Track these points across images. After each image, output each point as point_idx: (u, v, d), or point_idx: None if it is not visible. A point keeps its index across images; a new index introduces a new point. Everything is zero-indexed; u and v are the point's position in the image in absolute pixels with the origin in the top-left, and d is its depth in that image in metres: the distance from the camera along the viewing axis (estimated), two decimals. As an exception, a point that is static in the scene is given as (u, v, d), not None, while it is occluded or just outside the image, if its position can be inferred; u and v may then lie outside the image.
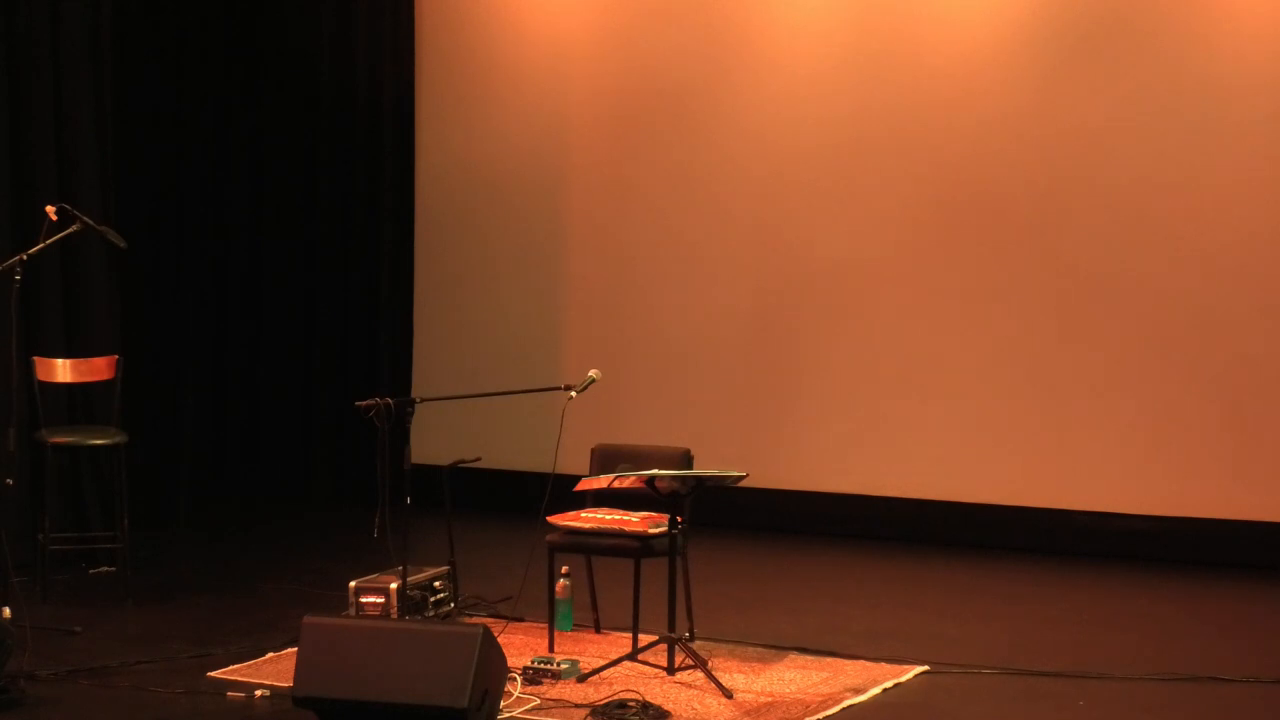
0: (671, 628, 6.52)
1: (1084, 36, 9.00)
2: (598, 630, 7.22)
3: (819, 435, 9.58)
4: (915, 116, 9.32)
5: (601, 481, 6.83)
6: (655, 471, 6.53)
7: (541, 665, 6.43)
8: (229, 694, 6.26)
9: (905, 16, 9.37)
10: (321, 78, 10.66)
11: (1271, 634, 7.53)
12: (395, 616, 6.95)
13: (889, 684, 6.46)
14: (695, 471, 6.78)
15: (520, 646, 6.86)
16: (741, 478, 6.53)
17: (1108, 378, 8.98)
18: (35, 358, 8.29)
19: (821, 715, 6.06)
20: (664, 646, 6.52)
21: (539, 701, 6.16)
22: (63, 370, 8.33)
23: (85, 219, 7.41)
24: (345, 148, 10.65)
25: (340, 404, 9.82)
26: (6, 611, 7.09)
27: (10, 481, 6.95)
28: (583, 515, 6.98)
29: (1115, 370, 8.97)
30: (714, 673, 6.38)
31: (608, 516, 6.90)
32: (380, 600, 7.03)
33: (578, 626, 7.21)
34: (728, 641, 7.01)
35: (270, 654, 6.80)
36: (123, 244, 7.64)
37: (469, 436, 9.61)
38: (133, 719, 6.06)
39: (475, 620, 7.16)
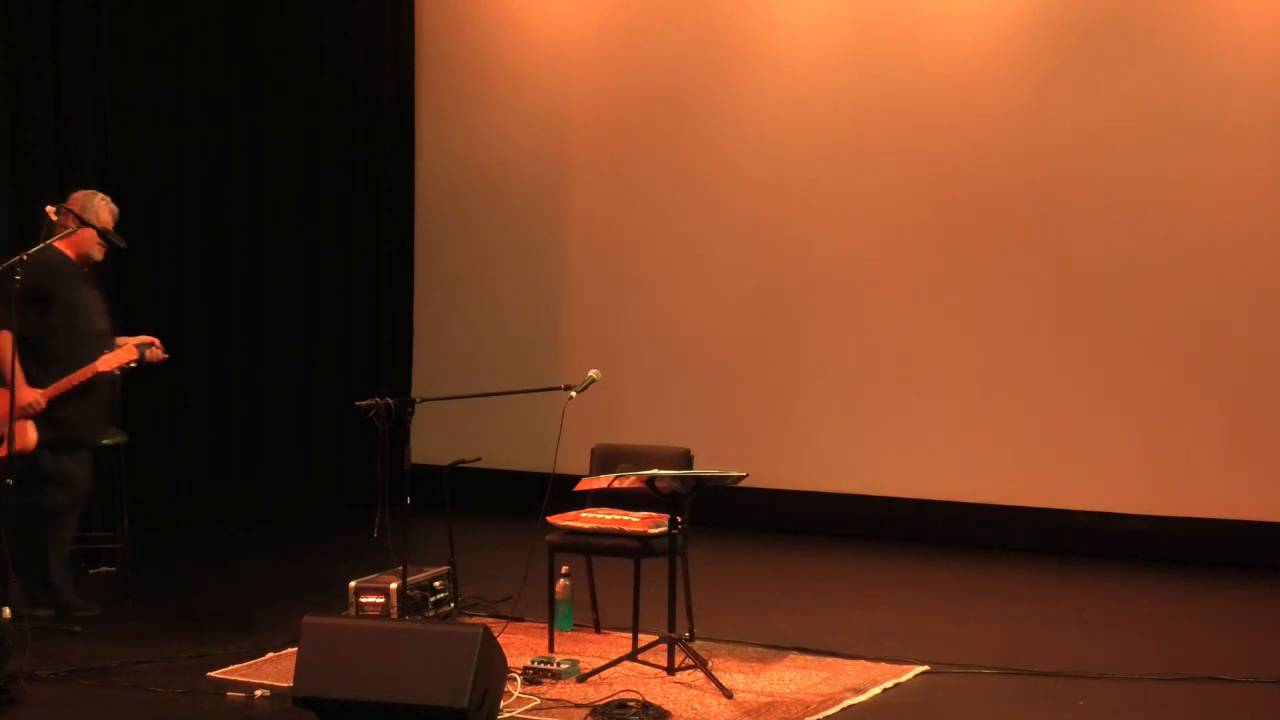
0: (671, 628, 6.51)
1: (1084, 36, 9.00)
2: (598, 630, 7.21)
3: (819, 435, 9.58)
4: (915, 116, 9.32)
5: (601, 481, 6.83)
6: (655, 471, 6.53)
7: (541, 665, 6.42)
8: (229, 694, 6.26)
9: (905, 16, 9.37)
10: (321, 78, 10.67)
11: (1271, 634, 7.53)
12: (395, 616, 6.94)
13: (889, 684, 6.46)
14: (695, 471, 6.77)
15: (520, 646, 6.85)
16: (741, 478, 6.53)
17: (1108, 377, 8.98)
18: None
19: (821, 715, 6.06)
20: (664, 646, 6.51)
21: (539, 701, 6.15)
22: (63, 370, 8.30)
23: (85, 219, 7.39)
24: (345, 148, 10.65)
25: (340, 404, 9.82)
26: (6, 611, 7.08)
27: (10, 482, 6.92)
28: (583, 515, 6.97)
29: (1115, 370, 8.97)
30: (714, 673, 6.37)
31: (608, 516, 6.90)
32: (380, 600, 7.03)
33: (578, 626, 7.20)
34: (728, 641, 7.00)
35: (270, 654, 6.79)
36: (123, 244, 7.62)
37: (469, 436, 9.60)
38: (133, 719, 6.06)
39: (475, 620, 7.16)
